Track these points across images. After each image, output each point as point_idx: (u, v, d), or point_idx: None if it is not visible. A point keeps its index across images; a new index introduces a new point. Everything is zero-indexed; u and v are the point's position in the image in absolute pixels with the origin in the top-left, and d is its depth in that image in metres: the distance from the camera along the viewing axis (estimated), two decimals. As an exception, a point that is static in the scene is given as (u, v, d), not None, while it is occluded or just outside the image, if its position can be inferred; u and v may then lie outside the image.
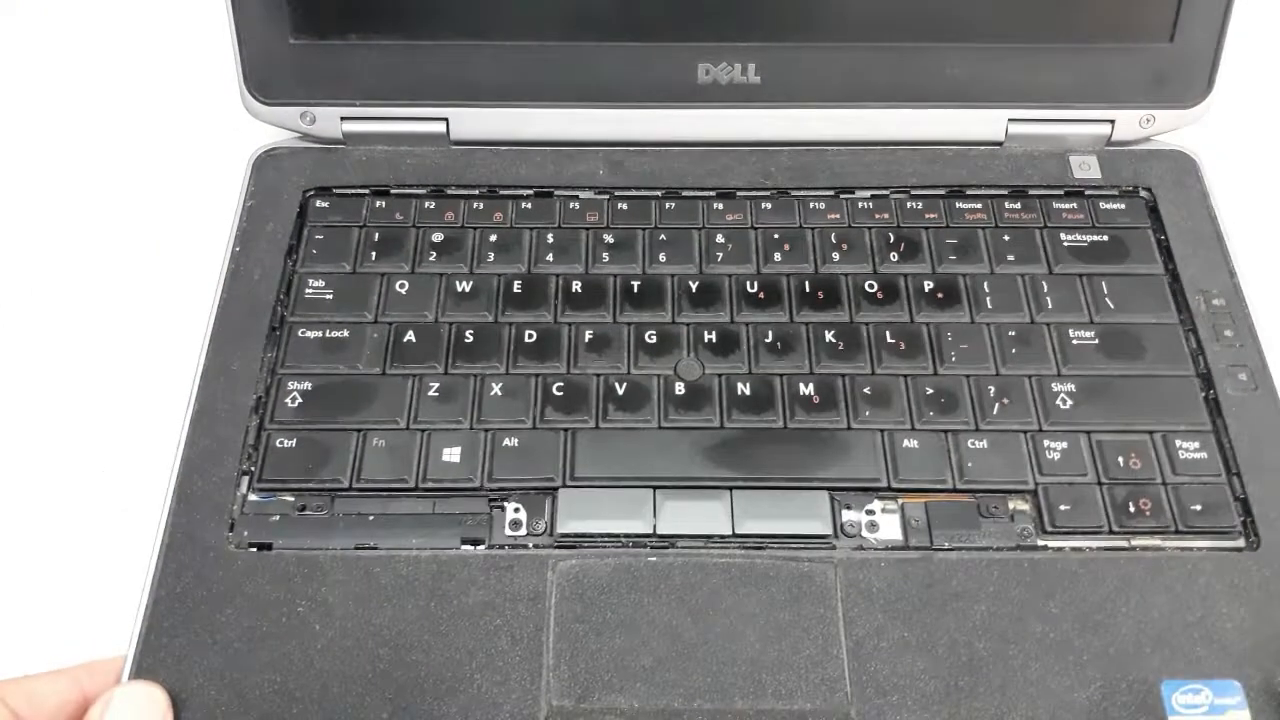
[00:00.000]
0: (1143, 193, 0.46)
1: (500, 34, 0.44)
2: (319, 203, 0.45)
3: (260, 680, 0.34)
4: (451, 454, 0.39)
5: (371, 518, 0.38)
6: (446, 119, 0.46)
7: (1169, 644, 0.35)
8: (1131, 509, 0.38)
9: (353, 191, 0.46)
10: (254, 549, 0.37)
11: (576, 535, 0.37)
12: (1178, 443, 0.39)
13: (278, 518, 0.38)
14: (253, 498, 0.38)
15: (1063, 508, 0.38)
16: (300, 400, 0.40)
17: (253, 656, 0.34)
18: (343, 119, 0.46)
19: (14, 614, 0.39)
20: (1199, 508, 0.38)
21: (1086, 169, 0.46)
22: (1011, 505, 0.38)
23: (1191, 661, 0.35)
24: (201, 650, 0.34)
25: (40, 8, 0.57)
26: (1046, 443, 0.39)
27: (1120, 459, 0.39)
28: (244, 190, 0.45)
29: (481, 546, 0.37)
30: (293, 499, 0.38)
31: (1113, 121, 0.46)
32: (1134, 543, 0.37)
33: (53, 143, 0.52)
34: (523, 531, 0.37)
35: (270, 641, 0.35)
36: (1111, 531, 0.37)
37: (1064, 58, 0.45)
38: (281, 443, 0.39)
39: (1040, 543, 0.37)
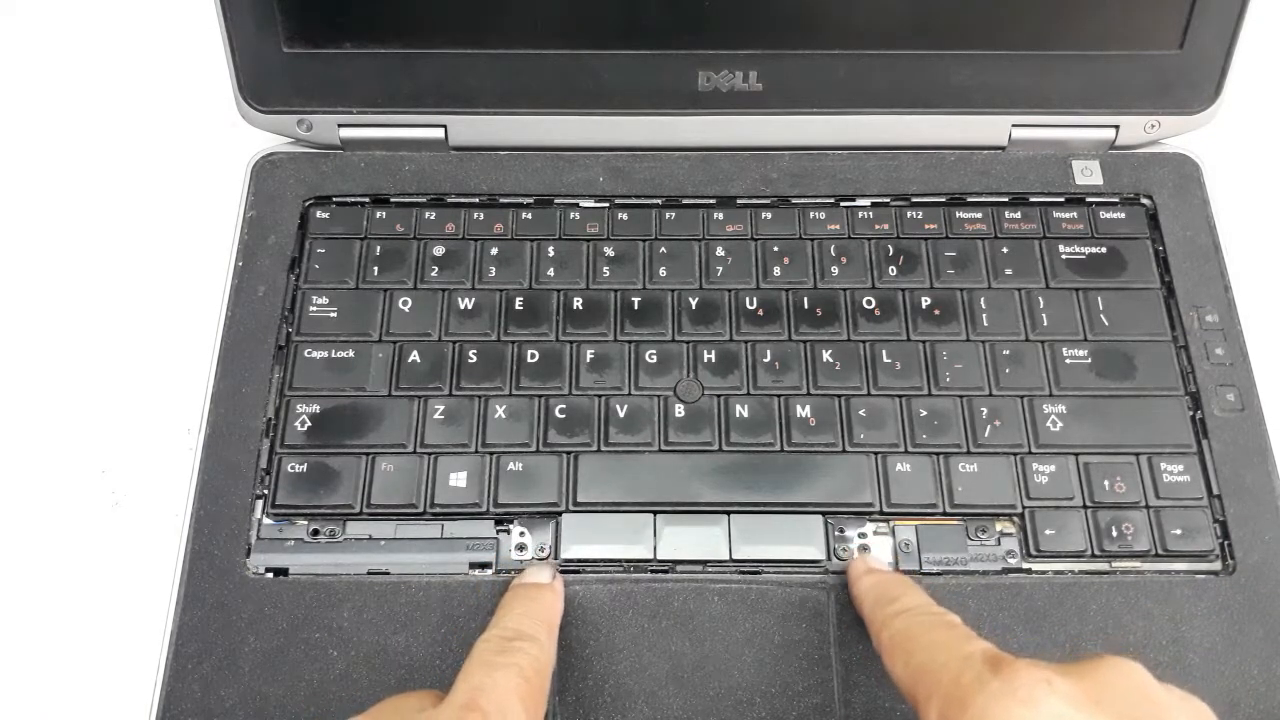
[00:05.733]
0: (1144, 200, 0.46)
1: (499, 42, 0.43)
2: (319, 213, 0.45)
3: (281, 708, 0.36)
4: (458, 478, 0.40)
5: (382, 542, 0.39)
6: (445, 126, 0.45)
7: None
8: (1114, 533, 0.39)
9: (353, 200, 0.45)
10: (270, 574, 0.39)
11: (580, 560, 0.39)
12: (1162, 465, 0.40)
13: (292, 542, 0.39)
14: (267, 522, 0.39)
15: (1048, 532, 0.39)
16: (309, 424, 0.41)
17: (274, 684, 0.36)
18: (340, 126, 0.45)
19: (33, 637, 0.41)
20: (1179, 531, 0.39)
21: (1089, 174, 0.46)
22: (999, 528, 0.40)
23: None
24: (226, 677, 0.36)
25: (38, 10, 0.55)
26: (1035, 465, 0.40)
27: (1105, 482, 0.40)
28: (244, 199, 0.45)
29: (489, 571, 0.39)
30: (305, 522, 0.39)
31: (1117, 127, 0.45)
32: (1114, 566, 0.39)
33: (50, 146, 0.51)
34: (528, 555, 0.39)
35: (289, 668, 0.37)
36: (1093, 555, 0.39)
37: (1070, 65, 0.44)
38: (293, 467, 0.40)
39: (1025, 566, 0.39)
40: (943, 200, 0.46)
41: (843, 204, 0.46)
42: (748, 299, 0.43)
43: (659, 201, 0.46)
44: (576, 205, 0.46)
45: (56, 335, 0.46)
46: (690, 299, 0.43)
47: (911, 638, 0.32)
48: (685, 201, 0.46)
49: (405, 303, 0.43)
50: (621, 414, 0.41)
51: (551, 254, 0.44)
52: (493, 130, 0.45)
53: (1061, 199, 0.46)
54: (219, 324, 0.43)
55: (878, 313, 0.43)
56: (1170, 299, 0.43)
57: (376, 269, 0.44)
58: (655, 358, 0.42)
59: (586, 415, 0.41)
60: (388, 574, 0.38)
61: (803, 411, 0.41)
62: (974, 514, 0.40)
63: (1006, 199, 0.46)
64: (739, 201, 0.46)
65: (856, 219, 0.45)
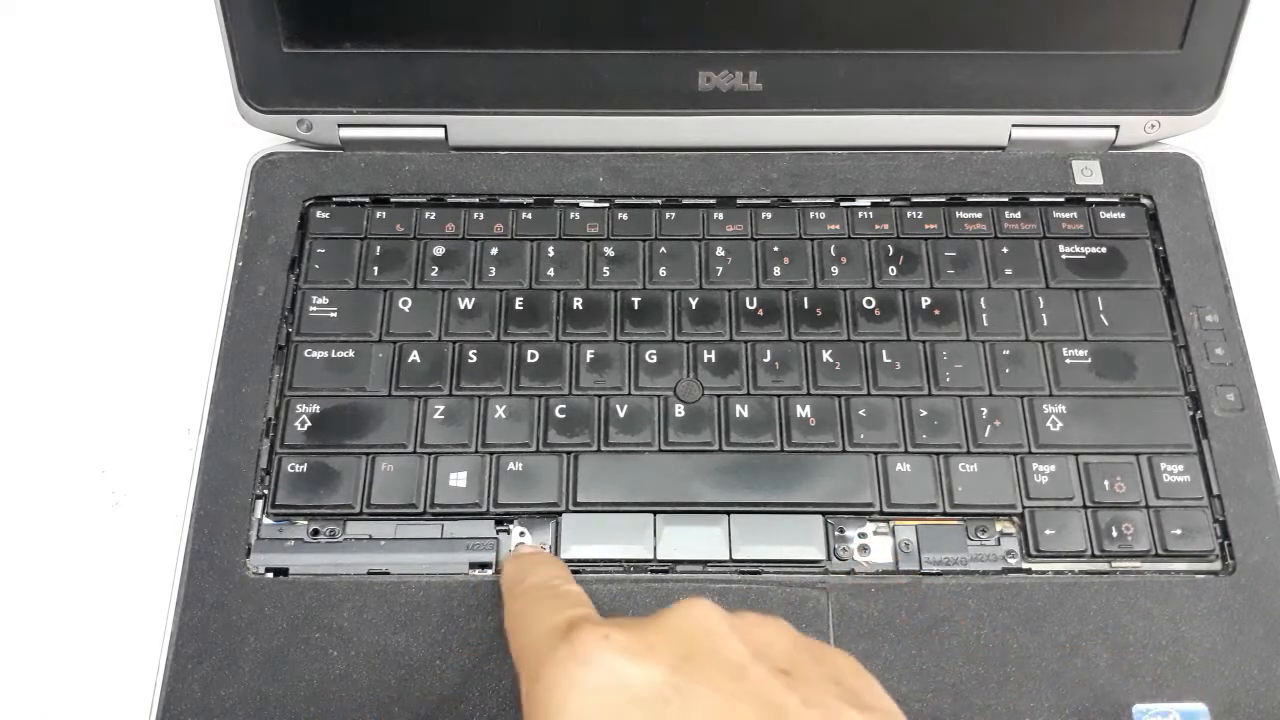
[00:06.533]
0: (1144, 200, 0.46)
1: (499, 42, 0.43)
2: (319, 213, 0.45)
3: (281, 708, 0.36)
4: (458, 478, 0.40)
5: (382, 542, 0.39)
6: (445, 126, 0.45)
7: (1143, 667, 0.37)
8: (1114, 533, 0.39)
9: (353, 200, 0.45)
10: (270, 574, 0.39)
11: (580, 560, 0.39)
12: (1162, 465, 0.40)
13: (292, 542, 0.39)
14: (267, 522, 0.39)
15: (1048, 532, 0.39)
16: (309, 424, 0.41)
17: (274, 684, 0.36)
18: (340, 126, 0.45)
19: (33, 638, 0.41)
20: (1179, 531, 0.39)
21: (1088, 174, 0.46)
22: (999, 527, 0.40)
23: (1163, 685, 0.37)
24: (225, 677, 0.36)
25: (38, 10, 0.55)
26: (1035, 465, 0.40)
27: (1105, 482, 0.40)
28: (244, 199, 0.45)
29: (489, 571, 0.39)
30: (305, 522, 0.39)
31: (1117, 127, 0.45)
32: (1114, 565, 0.39)
33: (50, 146, 0.51)
34: (528, 555, 0.39)
35: (289, 668, 0.37)
36: (1093, 555, 0.39)
37: (1070, 65, 0.44)
38: (293, 467, 0.40)
39: (1025, 565, 0.39)
40: (943, 200, 0.46)
41: (843, 204, 0.46)
42: (748, 299, 0.43)
43: (659, 201, 0.46)
44: (576, 205, 0.46)
45: (57, 335, 0.46)
46: (690, 299, 0.43)
47: (521, 618, 0.31)
48: (685, 201, 0.46)
49: (405, 303, 0.43)
50: (621, 414, 0.41)
51: (551, 254, 0.44)
52: (493, 130, 0.45)
53: (1061, 199, 0.46)
54: (219, 324, 0.43)
55: (878, 313, 0.43)
56: (1170, 299, 0.44)
57: (376, 269, 0.44)
58: (655, 358, 0.42)
59: (586, 415, 0.41)
60: (388, 574, 0.38)
61: (803, 411, 0.41)
62: (974, 514, 0.40)
63: (1006, 199, 0.46)
64: (739, 201, 0.46)
65: (856, 219, 0.45)
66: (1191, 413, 0.41)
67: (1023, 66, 0.44)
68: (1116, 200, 0.46)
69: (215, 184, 0.48)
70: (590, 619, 0.29)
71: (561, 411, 0.41)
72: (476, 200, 0.46)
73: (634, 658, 0.27)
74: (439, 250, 0.44)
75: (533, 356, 0.42)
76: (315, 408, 0.41)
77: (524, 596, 0.32)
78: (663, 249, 0.44)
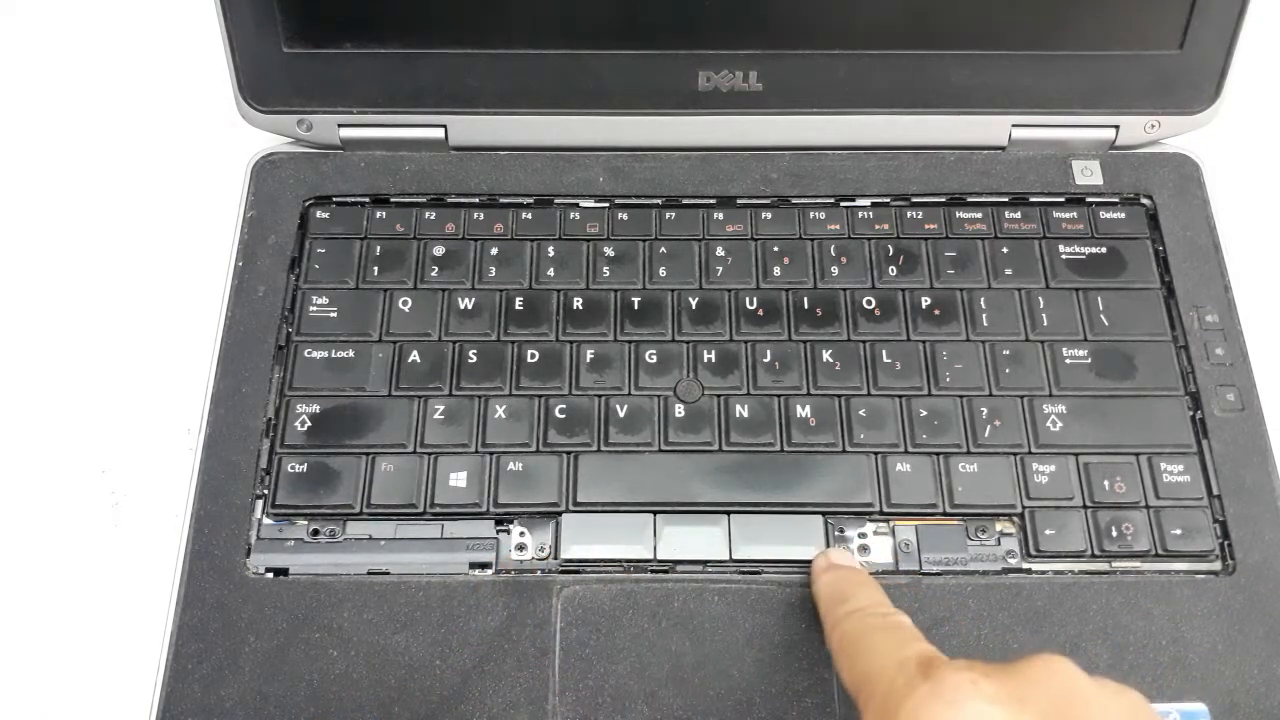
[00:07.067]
0: (1144, 200, 0.46)
1: (500, 42, 0.43)
2: (319, 213, 0.45)
3: (281, 708, 0.36)
4: (458, 478, 0.40)
5: (382, 542, 0.39)
6: (445, 126, 0.45)
7: (1143, 667, 0.37)
8: (1114, 533, 0.39)
9: (353, 200, 0.46)
10: (270, 574, 0.39)
11: (580, 560, 0.39)
12: (1162, 465, 0.40)
13: (292, 542, 0.39)
14: (267, 522, 0.39)
15: (1048, 532, 0.39)
16: (309, 424, 0.41)
17: (274, 684, 0.36)
18: (340, 126, 0.45)
19: (33, 638, 0.41)
20: (1179, 531, 0.39)
21: (1089, 174, 0.46)
22: (999, 527, 0.40)
23: (1163, 685, 0.37)
24: (226, 677, 0.36)
25: (38, 10, 0.55)
26: (1035, 465, 0.40)
27: (1105, 482, 0.40)
28: (244, 199, 0.45)
29: (489, 571, 0.39)
30: (305, 522, 0.39)
31: (1117, 127, 0.45)
32: (1114, 565, 0.39)
33: (50, 146, 0.51)
34: (528, 555, 0.39)
35: (289, 668, 0.37)
36: (1093, 555, 0.39)
37: (1070, 65, 0.44)
38: (293, 467, 0.40)
39: (1025, 565, 0.39)
40: (943, 200, 0.46)
41: (843, 204, 0.46)
42: (748, 299, 0.43)
43: (659, 201, 0.46)
44: (576, 205, 0.46)
45: (57, 335, 0.46)
46: (690, 299, 0.43)
47: (856, 641, 0.32)
48: (685, 201, 0.46)
49: (405, 303, 0.43)
50: (621, 414, 0.41)
51: (551, 254, 0.44)
52: (493, 130, 0.45)
53: (1061, 199, 0.46)
54: (219, 324, 0.43)
55: (878, 313, 0.43)
56: (1170, 299, 0.44)
57: (376, 269, 0.44)
58: (655, 358, 0.42)
59: (586, 415, 0.41)
60: (388, 574, 0.38)
61: (803, 411, 0.41)
62: (974, 514, 0.40)
63: (1006, 199, 0.46)
64: (739, 201, 0.46)
65: (856, 219, 0.45)
66: (1191, 413, 0.41)
67: (1023, 66, 0.44)
68: (1116, 200, 0.46)
69: (215, 184, 0.48)
70: (946, 659, 0.29)
71: (561, 411, 0.41)
72: (476, 200, 0.46)
73: (1006, 708, 0.27)
74: (439, 250, 0.44)
75: (533, 356, 0.42)
76: (315, 408, 0.41)
77: (856, 619, 0.33)
78: (663, 249, 0.44)
